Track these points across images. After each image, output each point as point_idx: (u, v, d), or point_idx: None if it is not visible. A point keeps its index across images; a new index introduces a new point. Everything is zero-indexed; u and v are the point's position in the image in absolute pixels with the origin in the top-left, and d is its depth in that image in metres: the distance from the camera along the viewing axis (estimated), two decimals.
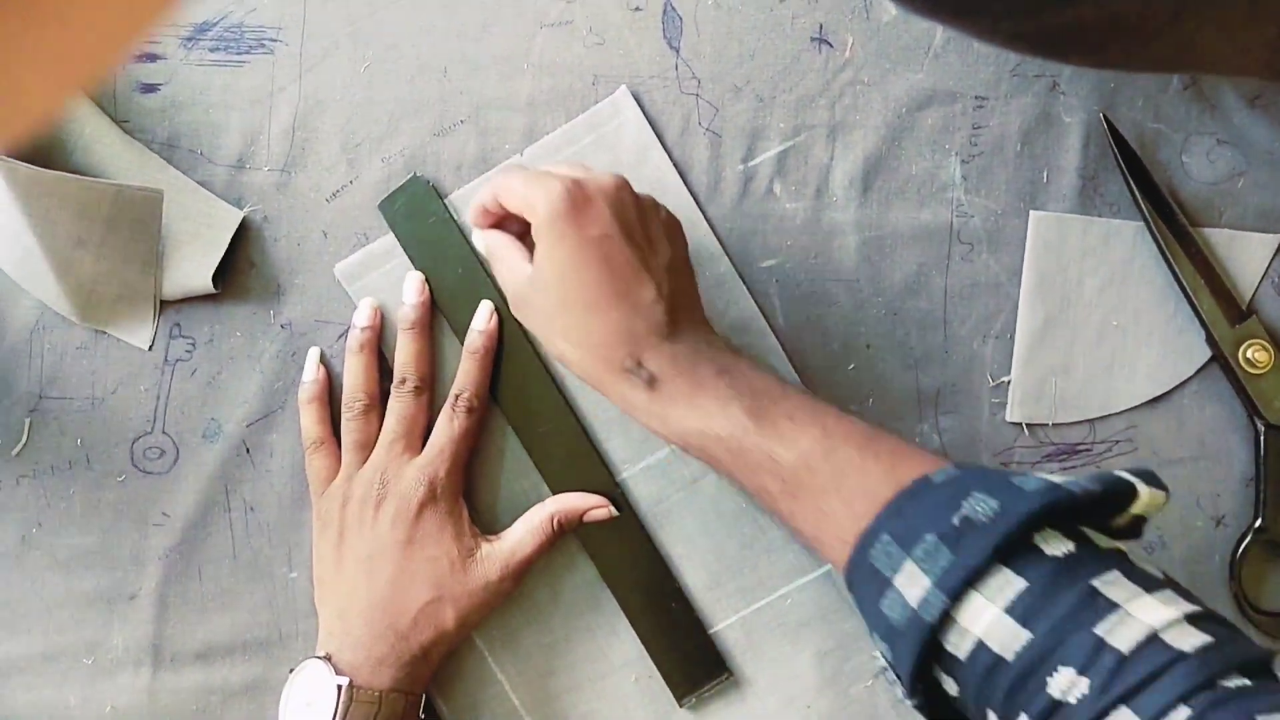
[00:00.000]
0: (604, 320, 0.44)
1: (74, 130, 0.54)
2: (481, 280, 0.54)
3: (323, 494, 0.53)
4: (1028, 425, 0.53)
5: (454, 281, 0.54)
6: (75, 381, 0.55)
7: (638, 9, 0.55)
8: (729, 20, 0.54)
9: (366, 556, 0.51)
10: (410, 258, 0.54)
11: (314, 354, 0.54)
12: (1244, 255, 0.53)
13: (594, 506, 0.53)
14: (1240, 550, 0.52)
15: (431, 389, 0.54)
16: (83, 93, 0.55)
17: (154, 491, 0.55)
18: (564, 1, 0.55)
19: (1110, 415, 0.53)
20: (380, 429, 0.53)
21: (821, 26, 0.54)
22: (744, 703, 0.54)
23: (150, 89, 0.55)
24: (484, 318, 0.53)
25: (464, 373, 0.53)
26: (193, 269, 0.54)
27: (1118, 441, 0.53)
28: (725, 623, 0.54)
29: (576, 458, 0.54)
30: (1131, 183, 0.52)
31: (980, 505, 0.36)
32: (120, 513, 0.55)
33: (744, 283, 0.54)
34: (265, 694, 0.55)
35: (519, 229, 0.49)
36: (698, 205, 0.54)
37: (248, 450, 0.55)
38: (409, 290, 0.54)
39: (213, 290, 0.54)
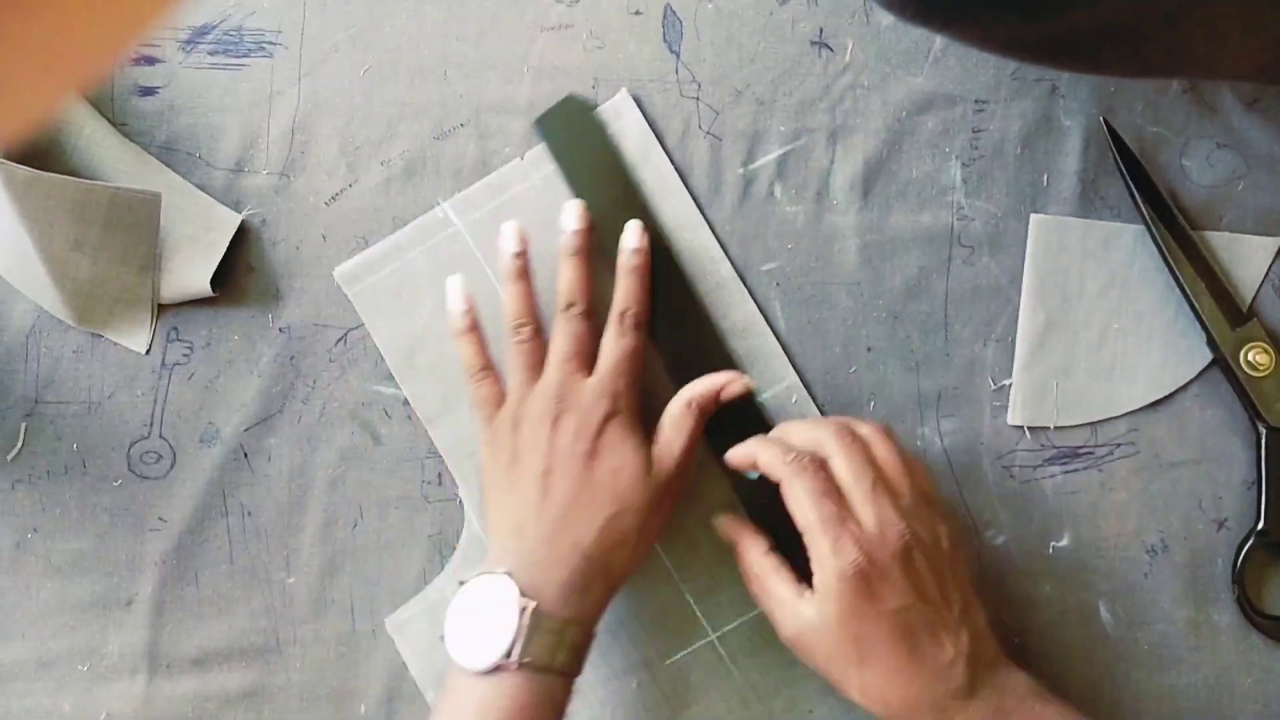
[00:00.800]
0: (906, 689, 0.44)
1: (72, 133, 0.54)
2: (637, 204, 0.53)
3: (492, 420, 0.51)
4: (1029, 428, 0.53)
5: (609, 203, 0.53)
6: (71, 386, 0.55)
7: (638, 12, 0.55)
8: (729, 24, 0.54)
9: (544, 472, 0.48)
10: (566, 176, 0.54)
11: (456, 281, 0.52)
12: (1244, 258, 0.53)
13: (728, 383, 0.51)
14: (1243, 553, 0.52)
15: (596, 313, 0.52)
16: (80, 95, 0.54)
17: (150, 496, 0.55)
18: (564, 5, 0.55)
19: (1112, 418, 0.53)
20: (545, 353, 0.51)
21: (822, 30, 0.54)
22: (747, 708, 0.53)
23: (149, 92, 0.55)
24: (635, 235, 0.52)
25: (624, 290, 0.52)
26: (191, 272, 0.54)
27: (1119, 444, 0.53)
28: (728, 627, 0.53)
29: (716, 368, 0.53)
30: (1132, 186, 0.52)
31: None
32: (116, 518, 0.55)
33: (745, 286, 0.54)
34: (262, 701, 0.54)
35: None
36: (699, 208, 0.54)
37: (245, 455, 0.55)
38: (569, 217, 0.52)
39: (210, 294, 0.54)
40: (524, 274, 0.52)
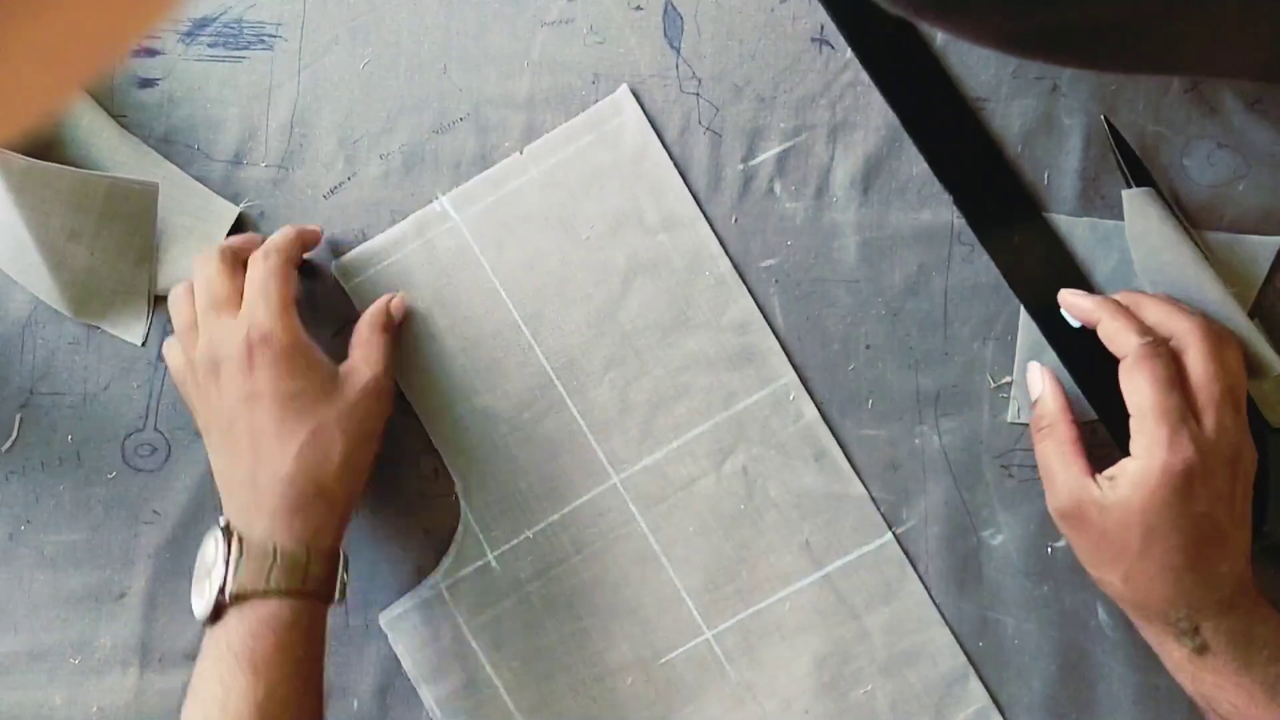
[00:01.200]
0: (1177, 583, 0.45)
1: (70, 124, 0.54)
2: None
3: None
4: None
5: None
6: (67, 377, 0.55)
7: (638, 8, 0.55)
8: (730, 20, 0.54)
9: (225, 428, 0.48)
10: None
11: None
12: (1245, 258, 0.53)
13: (390, 302, 0.52)
14: None
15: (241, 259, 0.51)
16: (81, 88, 0.54)
17: (145, 489, 0.55)
18: (565, 1, 0.55)
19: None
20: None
21: (823, 27, 0.54)
22: (742, 707, 0.53)
23: (148, 84, 0.55)
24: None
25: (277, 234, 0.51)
26: (188, 264, 0.54)
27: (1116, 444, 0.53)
28: (724, 625, 0.53)
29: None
30: (1133, 185, 0.52)
31: None
32: (110, 510, 0.55)
33: (744, 282, 0.54)
34: None
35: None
36: (697, 204, 0.54)
37: None
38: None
39: None
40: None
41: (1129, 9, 0.33)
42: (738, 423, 0.53)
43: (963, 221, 0.54)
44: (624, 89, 0.54)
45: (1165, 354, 0.45)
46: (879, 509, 0.53)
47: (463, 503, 0.54)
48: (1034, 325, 0.53)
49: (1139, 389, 0.45)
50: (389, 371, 0.52)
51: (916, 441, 0.53)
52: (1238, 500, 0.46)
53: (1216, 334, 0.46)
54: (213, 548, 0.47)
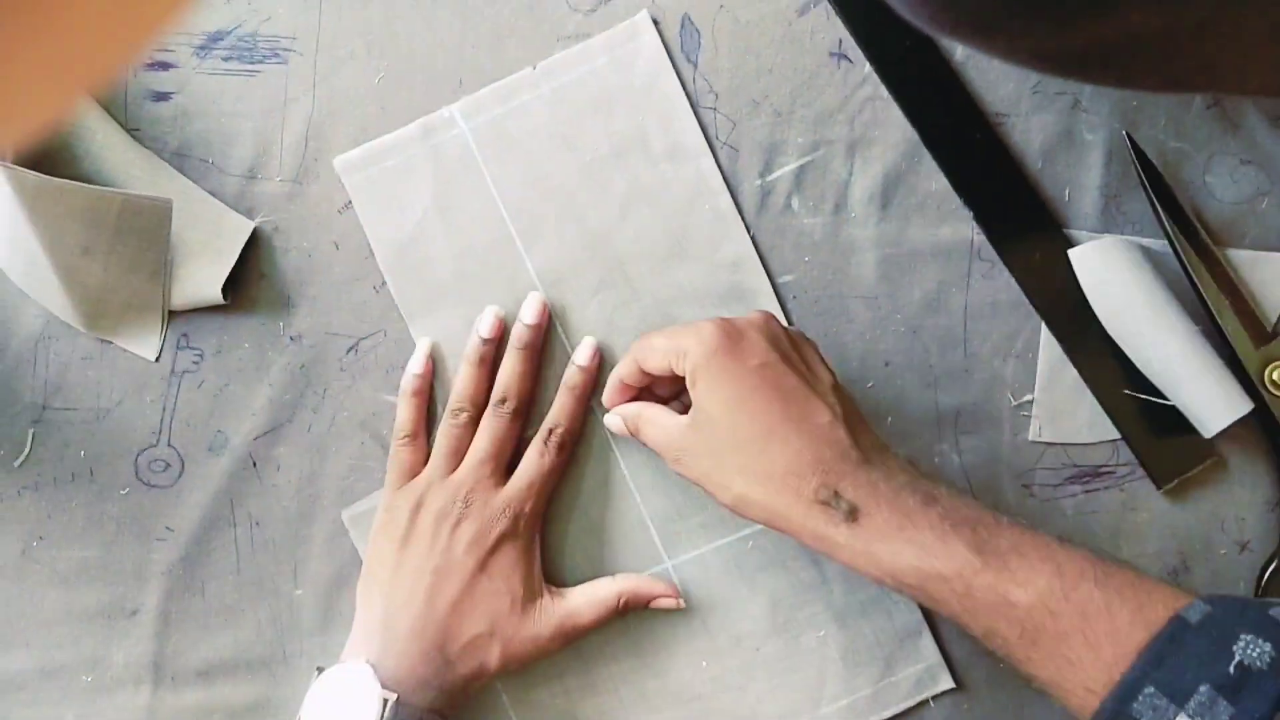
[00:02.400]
0: (785, 448, 0.43)
1: (84, 138, 0.53)
2: None
3: (399, 488, 0.52)
4: (1051, 444, 0.52)
5: None
6: (80, 392, 0.55)
7: (655, 22, 0.54)
8: (747, 34, 0.54)
9: (432, 570, 0.49)
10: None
11: (424, 345, 0.53)
12: (1268, 276, 0.52)
13: (663, 594, 0.51)
14: (1266, 576, 0.51)
15: (528, 413, 0.53)
16: (91, 98, 0.54)
17: (158, 505, 0.54)
18: (580, 14, 0.54)
19: None
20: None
21: (841, 41, 0.54)
22: (693, 639, 0.53)
23: (162, 97, 0.55)
24: (586, 353, 0.52)
25: (560, 407, 0.52)
26: (202, 279, 0.53)
27: (1141, 463, 0.52)
28: (684, 556, 0.53)
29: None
30: (1155, 202, 0.51)
31: (1254, 649, 0.35)
32: (123, 527, 0.54)
33: (743, 221, 0.53)
34: (268, 714, 0.54)
35: (665, 392, 0.50)
36: (704, 137, 0.53)
37: (254, 464, 0.54)
38: (527, 310, 0.52)
39: (221, 301, 0.53)
40: (488, 361, 0.52)
41: (1162, 29, 0.32)
42: None
43: (983, 238, 0.53)
44: (644, 14, 0.53)
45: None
46: None
47: (439, 407, 0.54)
48: (1055, 342, 0.52)
49: (653, 340, 0.47)
50: (579, 637, 0.51)
51: (936, 460, 0.53)
52: (804, 356, 0.46)
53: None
54: (362, 689, 0.46)
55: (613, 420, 0.51)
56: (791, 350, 0.46)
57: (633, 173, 0.53)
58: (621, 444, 0.53)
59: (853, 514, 0.42)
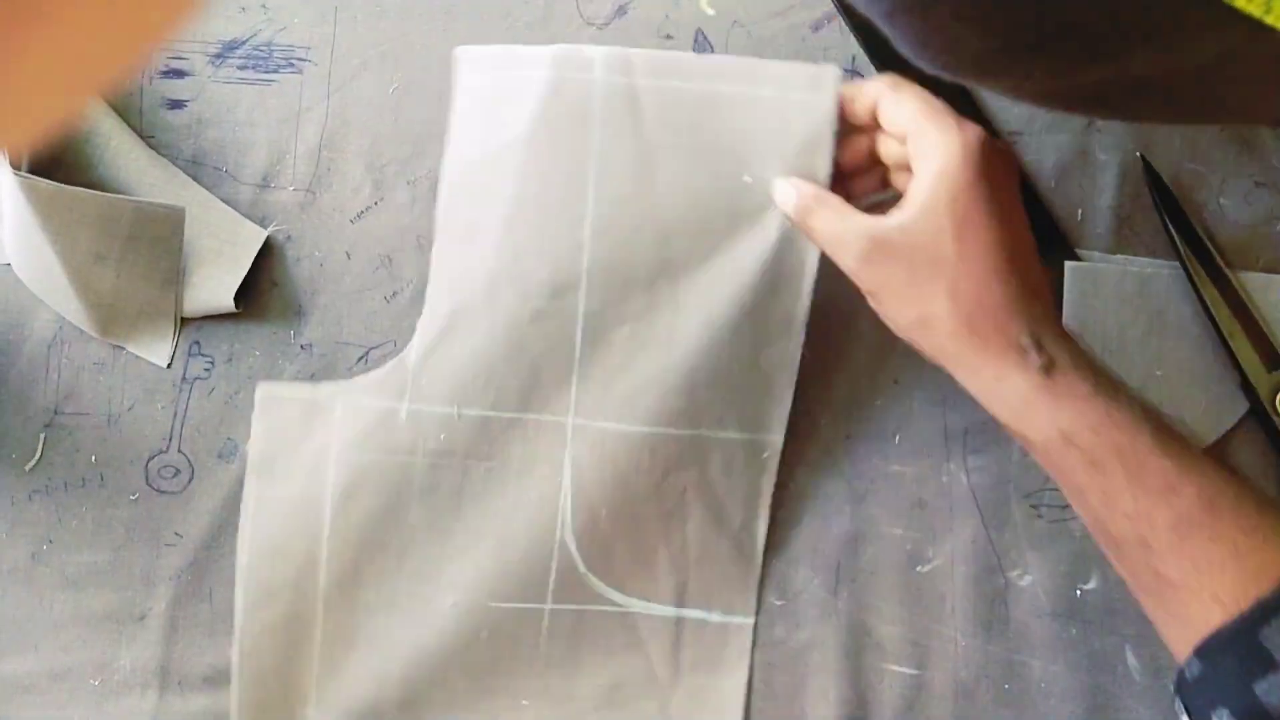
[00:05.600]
0: (1005, 287, 0.41)
1: (99, 145, 0.54)
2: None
3: None
4: None
5: None
6: (92, 397, 0.55)
7: (669, 36, 0.54)
8: (761, 49, 0.54)
9: None
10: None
11: None
12: None
13: None
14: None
15: None
16: (107, 105, 0.54)
17: (167, 511, 0.55)
18: (595, 28, 0.54)
19: None
20: None
21: (854, 58, 0.54)
22: (522, 692, 0.52)
23: (177, 105, 0.55)
24: None
25: None
26: (214, 287, 0.54)
27: None
28: (566, 606, 0.51)
29: None
30: (1168, 223, 0.51)
31: None
32: (132, 532, 0.55)
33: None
34: None
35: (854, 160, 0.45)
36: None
37: None
38: None
39: (233, 309, 0.54)
40: None
41: (1169, 69, 0.32)
42: (702, 447, 0.50)
43: None
44: (834, 71, 0.47)
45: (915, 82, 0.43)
46: (761, 598, 0.52)
47: (415, 337, 0.50)
48: None
49: (907, 101, 0.42)
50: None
51: (944, 479, 0.53)
52: (1023, 213, 0.43)
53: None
54: None
55: (785, 191, 0.45)
56: (1012, 180, 0.43)
57: (738, 226, 0.48)
58: (575, 474, 0.50)
59: (1049, 366, 0.41)
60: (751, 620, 0.52)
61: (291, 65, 0.55)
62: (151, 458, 0.55)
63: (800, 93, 0.47)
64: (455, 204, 0.50)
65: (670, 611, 0.52)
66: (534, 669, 0.52)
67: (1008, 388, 0.41)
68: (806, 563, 0.53)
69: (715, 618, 0.52)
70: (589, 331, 0.49)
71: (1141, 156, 0.52)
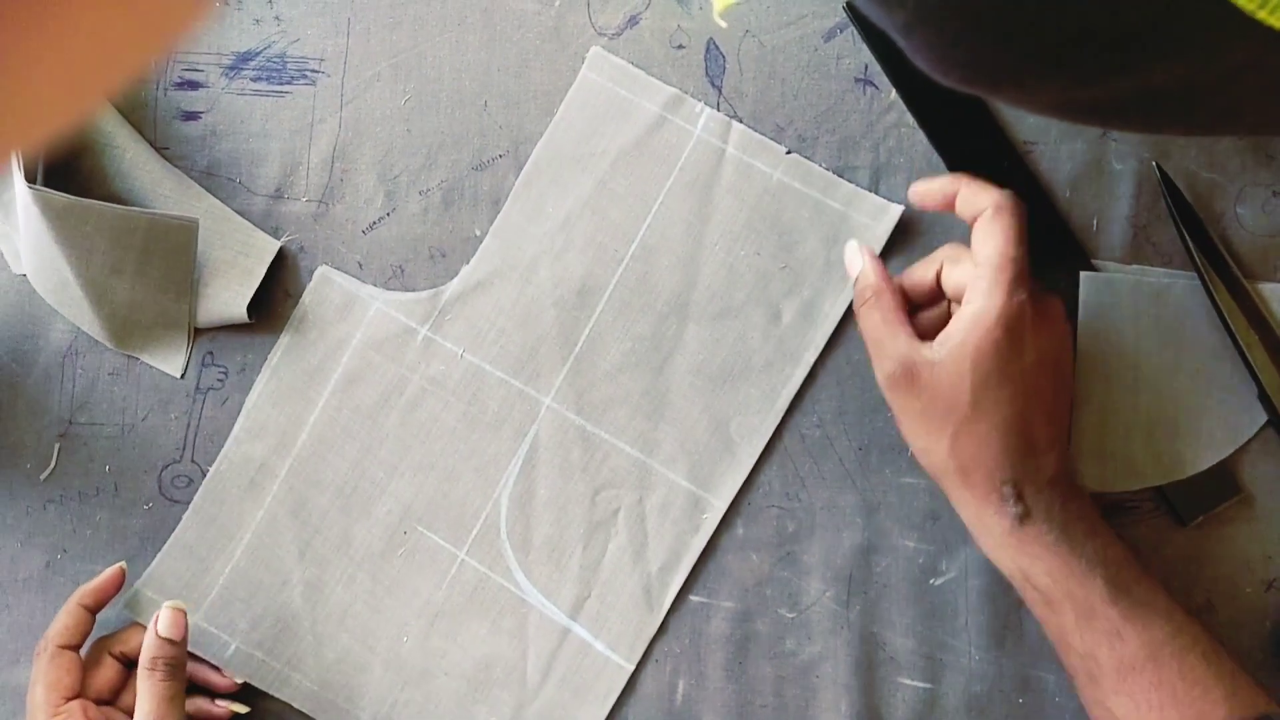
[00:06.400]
0: (1005, 443, 0.44)
1: (114, 157, 0.54)
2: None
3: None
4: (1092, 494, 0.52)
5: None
6: (106, 407, 0.55)
7: (681, 46, 0.54)
8: (773, 59, 0.54)
9: None
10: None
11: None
12: None
13: (167, 622, 0.49)
14: None
15: None
16: (121, 117, 0.55)
17: (180, 521, 0.55)
18: (606, 38, 0.54)
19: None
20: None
21: (867, 67, 0.53)
22: (407, 636, 0.53)
23: (191, 116, 0.55)
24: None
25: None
26: (228, 298, 0.54)
27: (1166, 499, 0.52)
28: (489, 569, 0.53)
29: None
30: (1184, 233, 0.51)
31: None
32: (145, 541, 0.55)
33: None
34: None
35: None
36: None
37: None
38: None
39: (247, 320, 0.54)
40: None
41: (1188, 81, 0.32)
42: (648, 476, 0.53)
43: None
44: (898, 211, 0.52)
45: (1021, 211, 0.45)
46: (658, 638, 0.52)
47: (456, 280, 0.54)
48: (1090, 386, 0.52)
49: (992, 237, 0.44)
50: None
51: None
52: (1062, 371, 0.46)
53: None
54: None
55: (854, 257, 0.49)
56: (1058, 366, 0.46)
57: (758, 296, 0.53)
58: (533, 454, 0.53)
59: (1024, 516, 0.45)
60: (630, 668, 0.52)
61: (305, 77, 0.55)
62: (165, 467, 0.55)
63: (863, 217, 0.52)
64: (535, 180, 0.54)
65: (562, 619, 0.53)
66: (427, 609, 0.53)
67: (983, 527, 0.46)
68: (818, 575, 0.53)
69: (599, 646, 0.53)
70: (595, 334, 0.53)
71: (1157, 166, 0.52)
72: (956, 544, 0.52)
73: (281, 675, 0.53)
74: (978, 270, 0.45)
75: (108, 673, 0.51)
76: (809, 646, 0.53)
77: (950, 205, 0.47)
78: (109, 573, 0.52)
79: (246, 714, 0.53)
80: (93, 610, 0.51)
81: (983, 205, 0.45)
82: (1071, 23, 0.29)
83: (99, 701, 0.50)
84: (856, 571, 0.53)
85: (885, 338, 0.46)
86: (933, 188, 0.48)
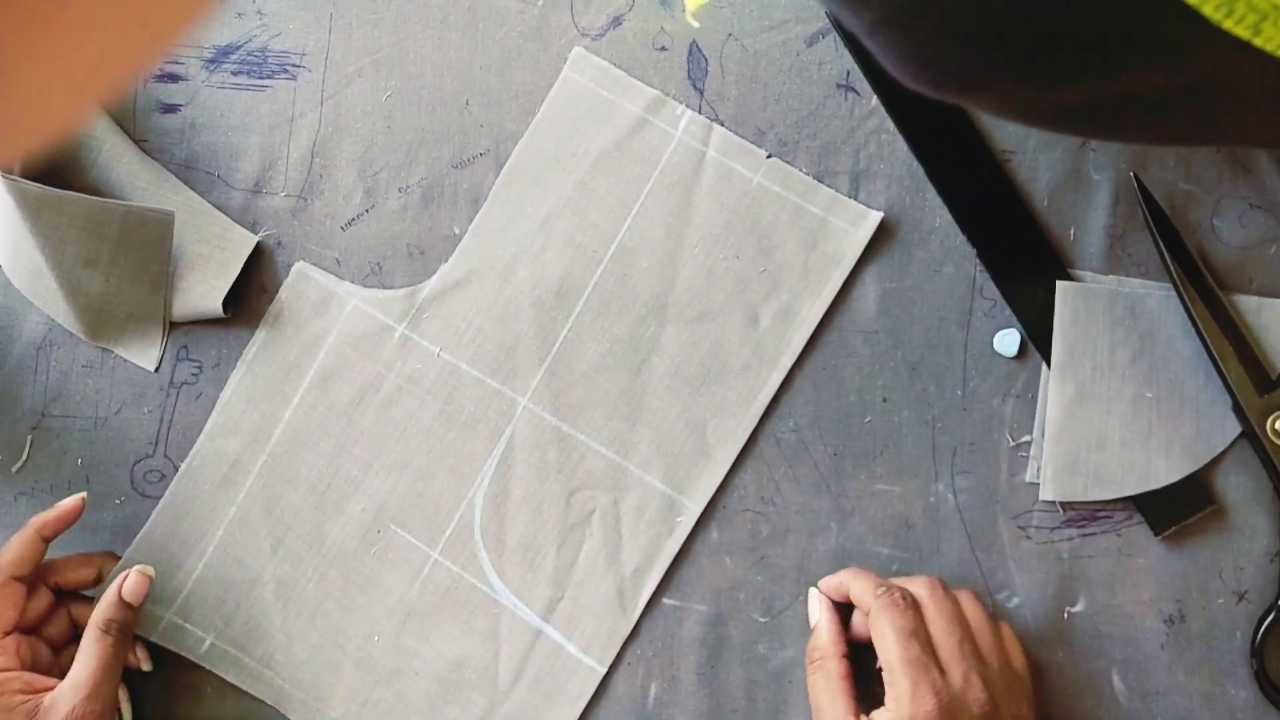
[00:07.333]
0: None
1: (91, 148, 0.54)
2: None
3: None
4: (1063, 504, 0.52)
5: None
6: (79, 400, 0.55)
7: (663, 48, 0.54)
8: (755, 63, 0.54)
9: None
10: None
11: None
12: (1274, 322, 0.52)
13: (128, 585, 0.49)
14: (1263, 627, 0.50)
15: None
16: (100, 109, 0.54)
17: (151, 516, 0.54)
18: (589, 38, 0.54)
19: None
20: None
21: (848, 73, 0.54)
22: (377, 645, 0.52)
23: (171, 109, 0.55)
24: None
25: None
26: (203, 292, 0.54)
27: (1139, 509, 0.52)
28: (460, 569, 0.52)
29: None
30: (1161, 244, 0.51)
31: None
32: (117, 536, 0.54)
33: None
34: None
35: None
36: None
37: None
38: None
39: (222, 314, 0.53)
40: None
41: (1158, 89, 0.32)
42: (623, 478, 0.53)
43: (985, 275, 0.53)
44: (878, 217, 0.52)
45: (904, 601, 0.46)
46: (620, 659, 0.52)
47: (435, 278, 0.54)
48: (1063, 396, 0.52)
49: (882, 638, 0.46)
50: (100, 696, 0.47)
51: (931, 499, 0.52)
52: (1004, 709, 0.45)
53: (944, 586, 0.48)
54: None
55: (815, 606, 0.50)
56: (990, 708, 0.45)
57: (735, 299, 0.53)
58: (506, 455, 0.53)
59: None
60: (602, 670, 0.52)
61: (285, 71, 0.55)
62: (138, 462, 0.55)
63: (842, 222, 0.53)
64: (515, 179, 0.54)
65: (534, 621, 0.53)
66: (399, 608, 0.53)
67: None
68: (792, 579, 0.53)
69: (571, 649, 0.52)
70: (572, 335, 0.53)
71: (1135, 176, 0.52)
72: (930, 552, 0.52)
73: (254, 672, 0.53)
74: (885, 673, 0.46)
75: (40, 602, 0.50)
76: (781, 651, 0.52)
77: (847, 598, 0.49)
78: (69, 502, 0.51)
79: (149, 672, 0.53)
80: (49, 540, 0.50)
81: (867, 602, 0.47)
82: (1038, 26, 0.29)
83: (27, 631, 0.50)
84: None
85: (826, 704, 0.47)
86: (831, 584, 0.50)
